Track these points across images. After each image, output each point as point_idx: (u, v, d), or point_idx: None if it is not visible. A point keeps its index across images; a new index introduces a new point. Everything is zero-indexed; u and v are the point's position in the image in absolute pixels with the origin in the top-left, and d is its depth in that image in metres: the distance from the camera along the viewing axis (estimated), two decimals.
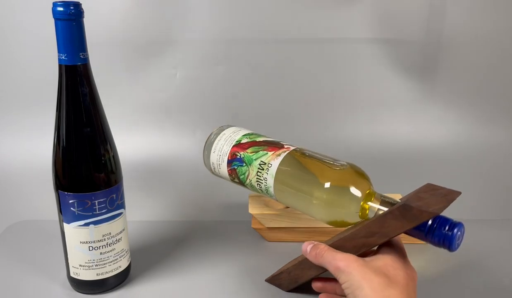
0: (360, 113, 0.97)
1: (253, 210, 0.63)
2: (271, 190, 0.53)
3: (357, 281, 0.41)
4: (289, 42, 0.93)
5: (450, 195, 0.44)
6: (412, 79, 0.96)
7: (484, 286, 0.55)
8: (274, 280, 0.55)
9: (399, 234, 0.43)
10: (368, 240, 0.44)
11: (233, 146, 0.57)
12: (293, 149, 0.54)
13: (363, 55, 0.94)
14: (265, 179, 0.53)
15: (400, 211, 0.42)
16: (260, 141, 0.56)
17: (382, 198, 0.47)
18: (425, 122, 0.98)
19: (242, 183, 0.57)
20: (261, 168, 0.53)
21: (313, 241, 0.48)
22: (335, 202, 0.47)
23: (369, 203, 0.47)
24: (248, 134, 0.58)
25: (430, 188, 0.47)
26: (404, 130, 0.97)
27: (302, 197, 0.50)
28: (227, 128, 0.61)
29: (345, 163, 0.50)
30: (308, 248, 0.48)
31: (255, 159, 0.54)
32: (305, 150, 0.54)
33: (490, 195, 0.80)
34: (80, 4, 0.43)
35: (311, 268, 0.49)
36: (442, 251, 0.61)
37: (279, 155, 0.53)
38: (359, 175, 0.49)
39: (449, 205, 0.42)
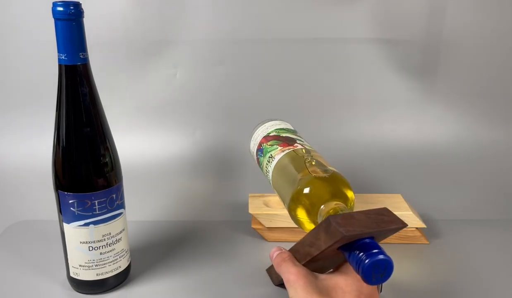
0: (360, 113, 0.97)
1: (253, 210, 0.63)
2: (271, 181, 0.59)
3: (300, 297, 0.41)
4: (289, 42, 0.93)
5: (388, 224, 0.40)
6: (412, 79, 0.96)
7: (484, 286, 0.55)
8: (268, 271, 0.56)
9: (327, 249, 0.41)
10: (310, 249, 0.43)
11: (263, 137, 0.63)
12: (299, 148, 0.56)
13: (363, 55, 0.94)
14: (268, 171, 0.60)
15: (326, 224, 0.40)
16: (281, 136, 0.62)
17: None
18: (425, 122, 0.98)
19: (265, 170, 0.62)
20: (268, 161, 0.59)
21: (282, 248, 0.48)
22: (302, 207, 0.51)
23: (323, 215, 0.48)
24: (280, 128, 0.64)
25: (381, 212, 0.42)
26: (404, 130, 0.97)
27: (283, 192, 0.55)
28: (270, 121, 0.67)
29: (331, 171, 0.52)
30: (274, 255, 0.48)
31: (268, 152, 0.60)
32: (311, 150, 0.56)
33: (490, 195, 0.80)
34: (80, 4, 0.43)
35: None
36: (442, 251, 0.61)
37: (283, 151, 0.58)
38: (333, 189, 0.50)
39: (373, 231, 0.38)
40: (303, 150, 0.58)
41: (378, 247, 0.37)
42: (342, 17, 0.91)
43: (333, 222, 0.38)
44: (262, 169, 0.63)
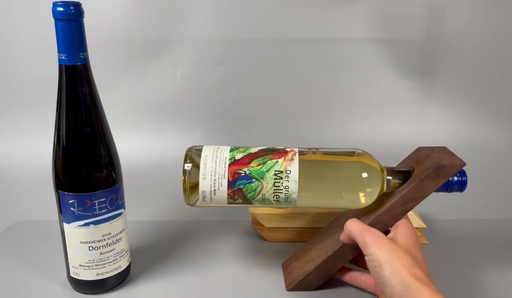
0: (360, 113, 0.97)
1: (253, 210, 0.63)
2: (294, 196, 0.50)
3: (386, 256, 0.42)
4: (289, 42, 0.93)
5: (446, 150, 0.51)
6: (412, 79, 0.96)
7: (484, 286, 0.55)
8: (300, 284, 0.53)
9: (431, 193, 0.48)
10: (405, 206, 0.48)
11: (230, 165, 0.50)
12: (300, 151, 0.52)
13: (363, 55, 0.94)
14: (286, 187, 0.50)
15: (435, 172, 0.47)
16: (257, 152, 0.52)
17: (386, 168, 0.51)
18: (425, 122, 0.98)
19: (248, 201, 0.52)
20: (278, 177, 0.50)
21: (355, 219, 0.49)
22: (373, 190, 0.50)
23: (388, 177, 0.51)
24: (235, 148, 0.53)
25: (425, 150, 0.52)
26: (404, 130, 0.97)
27: (336, 194, 0.50)
28: (198, 150, 0.52)
29: (355, 150, 0.53)
30: (351, 223, 0.48)
31: (267, 171, 0.50)
32: (305, 148, 0.54)
33: (490, 195, 0.80)
34: (80, 4, 0.43)
35: (345, 254, 0.50)
36: (442, 251, 0.61)
37: (291, 159, 0.51)
38: (370, 155, 0.52)
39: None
40: (304, 151, 0.55)
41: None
42: (342, 17, 0.91)
43: (446, 164, 0.47)
44: (253, 196, 0.50)
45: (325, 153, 0.52)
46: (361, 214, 0.51)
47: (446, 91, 0.97)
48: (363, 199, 0.50)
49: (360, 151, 0.52)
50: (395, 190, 0.50)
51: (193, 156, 0.51)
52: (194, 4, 0.89)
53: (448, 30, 0.93)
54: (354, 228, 0.47)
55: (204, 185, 0.50)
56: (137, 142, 0.92)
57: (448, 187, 0.49)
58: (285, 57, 0.94)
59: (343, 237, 0.49)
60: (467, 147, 0.93)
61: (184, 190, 0.50)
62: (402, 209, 0.48)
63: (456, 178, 0.49)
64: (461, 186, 0.50)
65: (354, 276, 0.53)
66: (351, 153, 0.52)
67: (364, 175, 0.50)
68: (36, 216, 0.71)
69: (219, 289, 0.54)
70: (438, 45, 0.94)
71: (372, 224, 0.48)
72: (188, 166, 0.50)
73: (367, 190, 0.50)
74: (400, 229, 0.47)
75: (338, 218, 0.57)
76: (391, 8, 0.92)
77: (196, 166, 0.50)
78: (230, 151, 0.52)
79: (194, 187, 0.50)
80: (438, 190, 0.49)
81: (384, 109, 0.97)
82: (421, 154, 0.51)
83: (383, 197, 0.50)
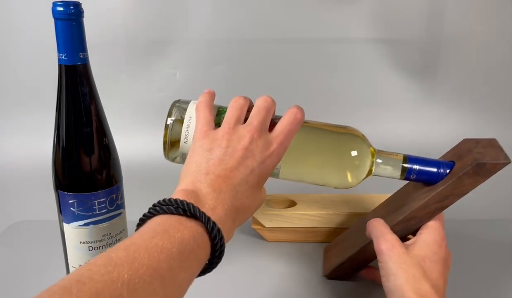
0: (360, 112, 0.97)
1: None
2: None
3: (394, 268, 0.42)
4: (289, 42, 0.93)
5: (494, 143, 0.48)
6: (413, 79, 0.96)
7: (484, 286, 0.55)
8: (335, 272, 0.54)
9: (470, 191, 0.46)
10: (442, 204, 0.46)
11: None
12: None
13: (363, 55, 0.94)
14: None
15: (474, 170, 0.44)
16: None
17: (377, 151, 0.49)
18: (426, 122, 0.98)
19: None
20: None
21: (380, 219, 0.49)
22: (361, 170, 0.48)
23: (378, 160, 0.48)
24: (222, 111, 0.50)
25: (469, 143, 0.48)
26: (404, 130, 0.97)
27: (322, 168, 0.48)
28: (184, 105, 0.50)
29: (340, 125, 0.50)
30: (373, 223, 0.48)
31: None
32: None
33: (490, 195, 0.80)
34: (80, 4, 0.43)
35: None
36: None
37: None
38: (363, 134, 0.50)
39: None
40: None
41: None
42: (342, 17, 0.91)
43: (488, 162, 0.44)
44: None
45: (314, 124, 0.50)
46: (396, 207, 0.50)
47: (446, 91, 0.97)
48: (349, 177, 0.48)
49: (353, 127, 0.50)
50: (432, 185, 0.47)
51: (178, 111, 0.49)
52: (194, 4, 0.89)
53: (448, 30, 0.93)
54: (373, 230, 0.46)
55: (185, 148, 0.48)
56: (137, 142, 0.92)
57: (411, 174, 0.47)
58: (285, 57, 0.94)
59: (367, 234, 0.48)
60: None
61: (164, 144, 0.48)
62: (437, 206, 0.46)
63: (428, 168, 0.46)
64: (431, 177, 0.46)
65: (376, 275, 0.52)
66: (344, 127, 0.50)
67: (354, 152, 0.47)
68: (36, 216, 0.71)
69: (219, 289, 0.54)
70: (438, 45, 0.94)
71: (406, 219, 0.47)
72: (170, 120, 0.48)
73: (356, 162, 0.47)
74: (422, 236, 0.46)
75: (380, 206, 0.56)
76: (391, 8, 0.92)
77: (180, 121, 0.48)
78: (217, 115, 0.49)
79: (175, 143, 0.48)
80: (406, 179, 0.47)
81: (384, 109, 0.97)
82: (464, 147, 0.48)
83: (419, 192, 0.48)
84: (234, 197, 0.38)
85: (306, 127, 0.49)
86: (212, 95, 0.48)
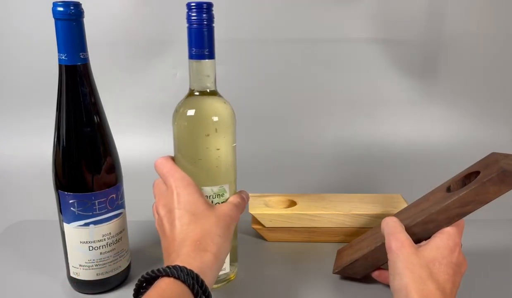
0: (359, 113, 0.97)
1: (253, 210, 0.63)
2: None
3: (401, 267, 0.42)
4: (289, 42, 0.93)
5: None
6: (412, 79, 0.96)
7: (484, 286, 0.55)
8: (347, 270, 0.54)
9: (493, 199, 0.45)
10: (463, 209, 0.46)
11: None
12: None
13: (363, 55, 0.94)
14: None
15: (499, 177, 0.44)
16: None
17: None
18: (425, 122, 0.98)
19: None
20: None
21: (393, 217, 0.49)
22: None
23: None
24: None
25: (497, 155, 0.48)
26: (404, 130, 0.97)
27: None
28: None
29: None
30: (388, 220, 0.48)
31: None
32: None
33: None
34: (80, 4, 0.43)
35: None
36: None
37: None
38: None
39: None
40: None
41: None
42: (342, 17, 0.91)
43: None
44: None
45: None
46: (417, 210, 0.50)
47: (446, 91, 0.97)
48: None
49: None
50: (455, 190, 0.47)
51: None
52: None
53: (448, 30, 0.93)
54: (386, 228, 0.46)
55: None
56: (137, 142, 0.92)
57: None
58: (285, 57, 0.94)
59: (381, 231, 0.48)
60: (466, 147, 0.93)
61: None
62: (458, 211, 0.46)
63: None
64: None
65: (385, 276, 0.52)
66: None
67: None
68: (36, 216, 0.71)
69: (219, 289, 0.54)
70: (438, 45, 0.94)
71: (425, 222, 0.47)
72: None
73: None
74: (435, 239, 0.45)
75: (411, 205, 0.55)
76: (391, 8, 0.92)
77: None
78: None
79: None
80: None
81: (384, 109, 0.97)
82: (492, 159, 0.48)
83: (442, 196, 0.48)
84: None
85: None
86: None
